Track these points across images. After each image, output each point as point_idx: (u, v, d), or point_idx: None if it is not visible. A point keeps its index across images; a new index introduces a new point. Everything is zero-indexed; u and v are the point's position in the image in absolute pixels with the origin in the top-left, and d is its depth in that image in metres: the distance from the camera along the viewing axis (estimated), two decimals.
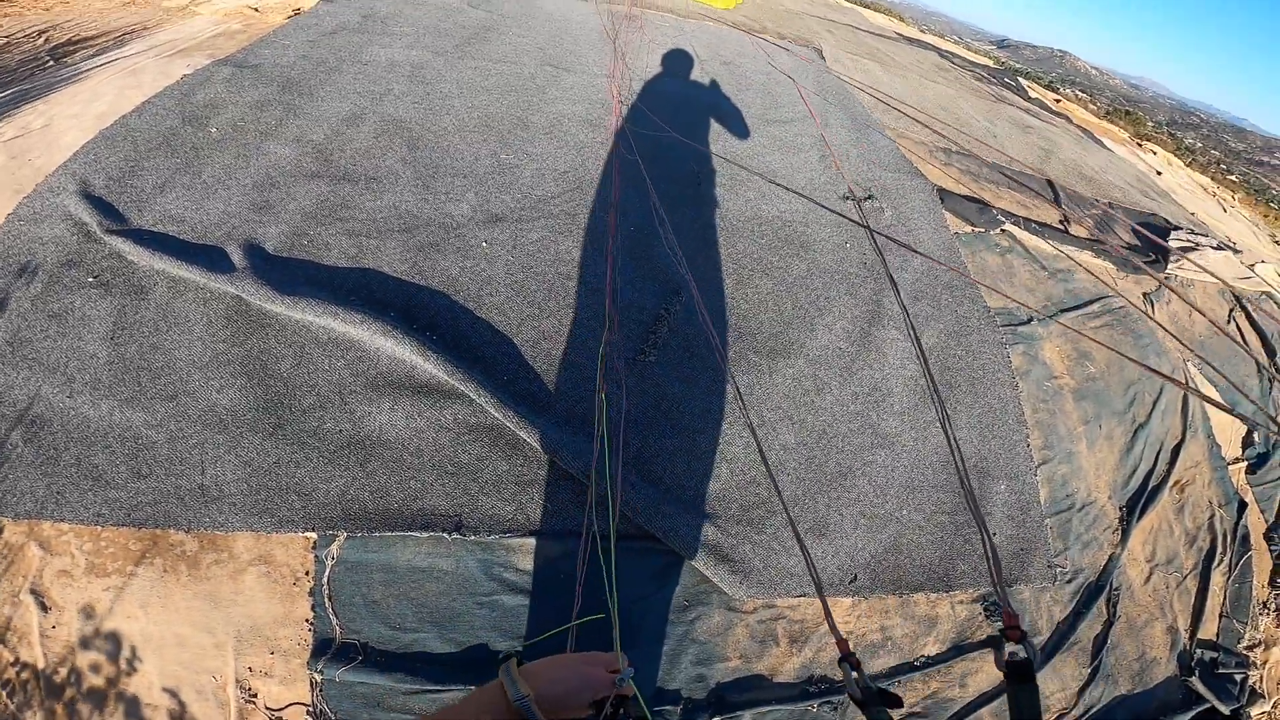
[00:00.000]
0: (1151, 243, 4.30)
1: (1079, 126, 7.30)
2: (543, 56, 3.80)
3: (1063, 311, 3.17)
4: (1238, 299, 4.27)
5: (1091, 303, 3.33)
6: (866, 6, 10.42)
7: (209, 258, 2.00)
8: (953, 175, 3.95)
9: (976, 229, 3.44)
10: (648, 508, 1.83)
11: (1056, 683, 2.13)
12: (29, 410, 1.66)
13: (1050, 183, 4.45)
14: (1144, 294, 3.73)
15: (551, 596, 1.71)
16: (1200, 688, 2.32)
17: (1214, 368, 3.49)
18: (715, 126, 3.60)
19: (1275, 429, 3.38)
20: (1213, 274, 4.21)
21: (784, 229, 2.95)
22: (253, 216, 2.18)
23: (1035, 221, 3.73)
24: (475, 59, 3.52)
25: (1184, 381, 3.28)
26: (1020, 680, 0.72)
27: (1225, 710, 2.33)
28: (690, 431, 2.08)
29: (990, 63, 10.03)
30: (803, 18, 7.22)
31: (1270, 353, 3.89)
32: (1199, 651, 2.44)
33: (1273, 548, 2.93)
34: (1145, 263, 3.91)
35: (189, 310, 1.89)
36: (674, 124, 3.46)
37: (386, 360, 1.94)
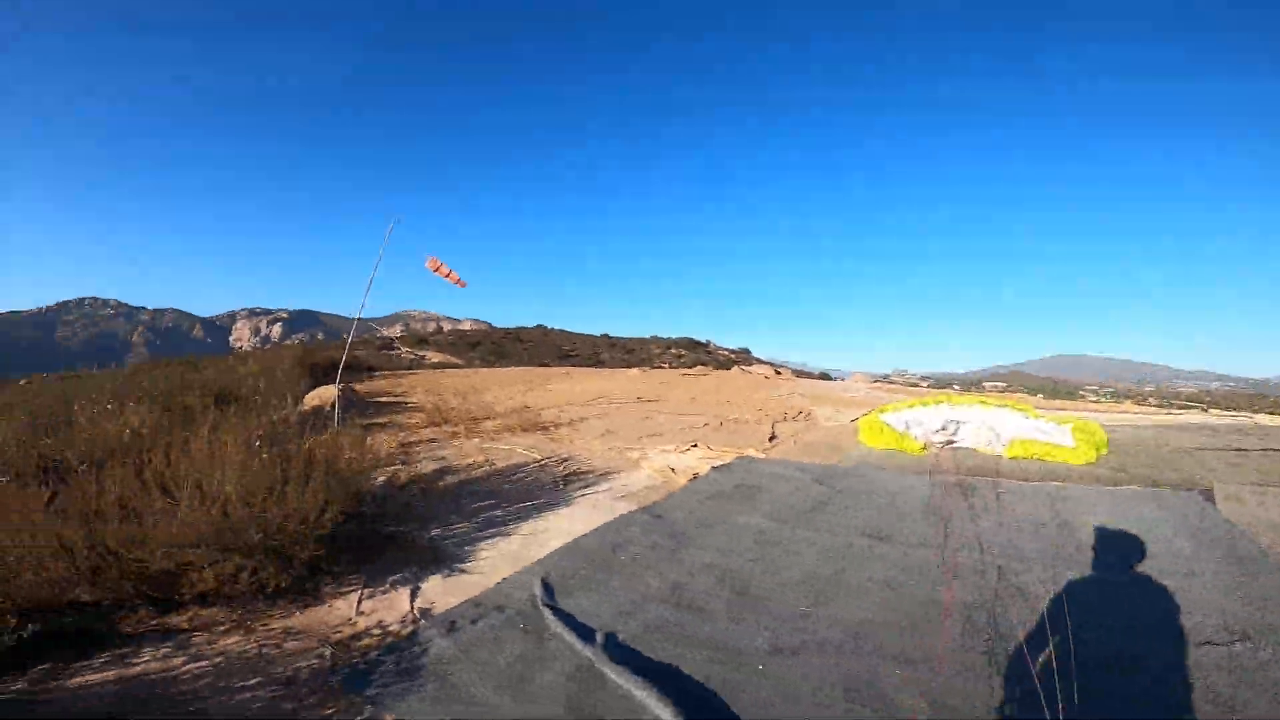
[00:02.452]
0: None
1: None
2: (862, 528, 3.78)
3: None
4: None
5: None
6: None
7: (582, 632, 2.53)
8: None
9: None
10: None
11: None
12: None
13: None
14: None
15: None
16: None
17: None
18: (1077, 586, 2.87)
19: None
20: None
21: None
22: (618, 618, 2.70)
23: None
24: (806, 528, 3.81)
25: None
26: None
27: None
28: None
29: None
30: (1196, 454, 5.34)
31: None
32: None
33: None
34: None
35: (542, 670, 2.30)
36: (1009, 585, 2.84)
37: None
